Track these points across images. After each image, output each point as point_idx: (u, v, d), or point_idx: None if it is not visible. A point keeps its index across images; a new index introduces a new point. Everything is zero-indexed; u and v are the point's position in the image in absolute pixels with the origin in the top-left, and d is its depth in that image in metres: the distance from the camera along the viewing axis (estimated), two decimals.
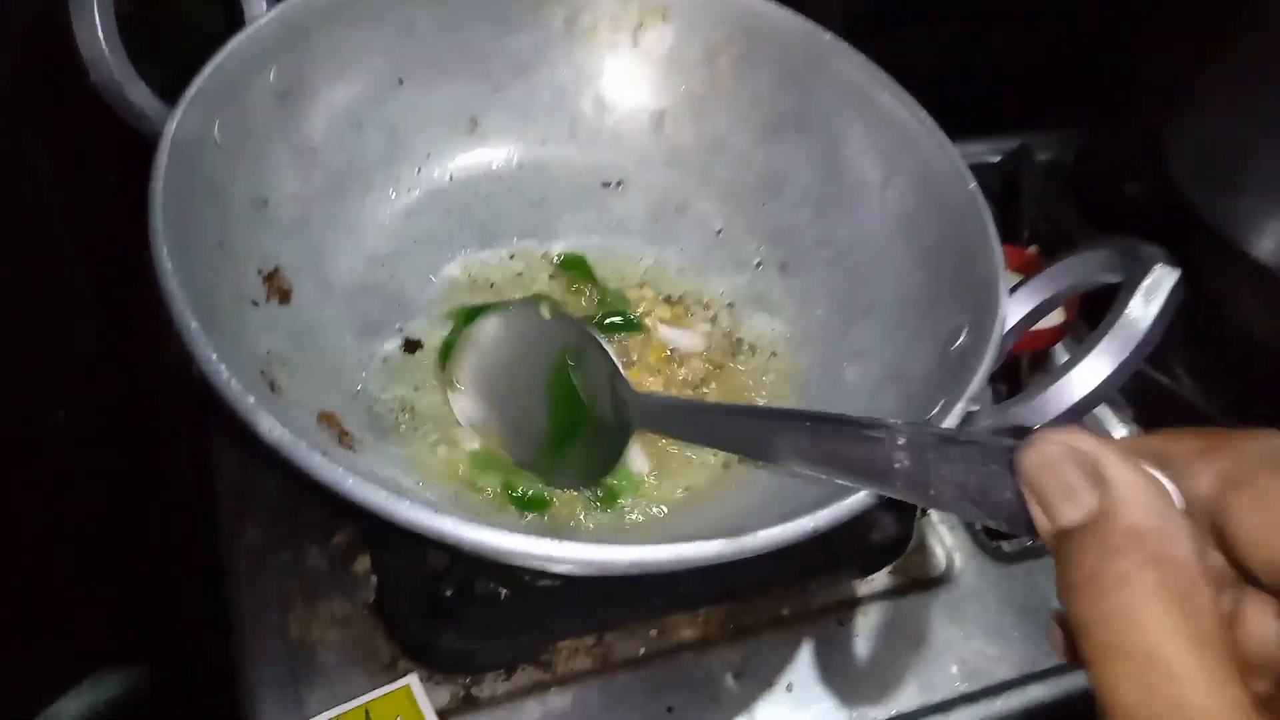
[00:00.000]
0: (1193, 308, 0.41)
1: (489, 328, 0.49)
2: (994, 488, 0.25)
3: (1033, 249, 0.70)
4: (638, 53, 0.61)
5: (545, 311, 0.49)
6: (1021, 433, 0.27)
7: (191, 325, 0.35)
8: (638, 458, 0.48)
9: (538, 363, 0.47)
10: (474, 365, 0.49)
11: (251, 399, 0.34)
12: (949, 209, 0.51)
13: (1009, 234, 0.49)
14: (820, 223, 0.57)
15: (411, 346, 0.50)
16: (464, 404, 0.48)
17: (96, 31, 0.42)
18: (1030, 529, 0.24)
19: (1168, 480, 0.23)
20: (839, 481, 0.33)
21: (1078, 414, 0.41)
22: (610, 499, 0.46)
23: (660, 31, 0.60)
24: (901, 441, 0.28)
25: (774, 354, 0.55)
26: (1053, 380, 0.41)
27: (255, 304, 0.44)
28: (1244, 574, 0.25)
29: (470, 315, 0.51)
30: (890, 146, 0.54)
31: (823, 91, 0.57)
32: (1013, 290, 0.47)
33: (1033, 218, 0.73)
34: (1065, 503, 0.23)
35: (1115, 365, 0.41)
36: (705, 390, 0.52)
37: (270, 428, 0.33)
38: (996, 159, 0.78)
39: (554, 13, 0.59)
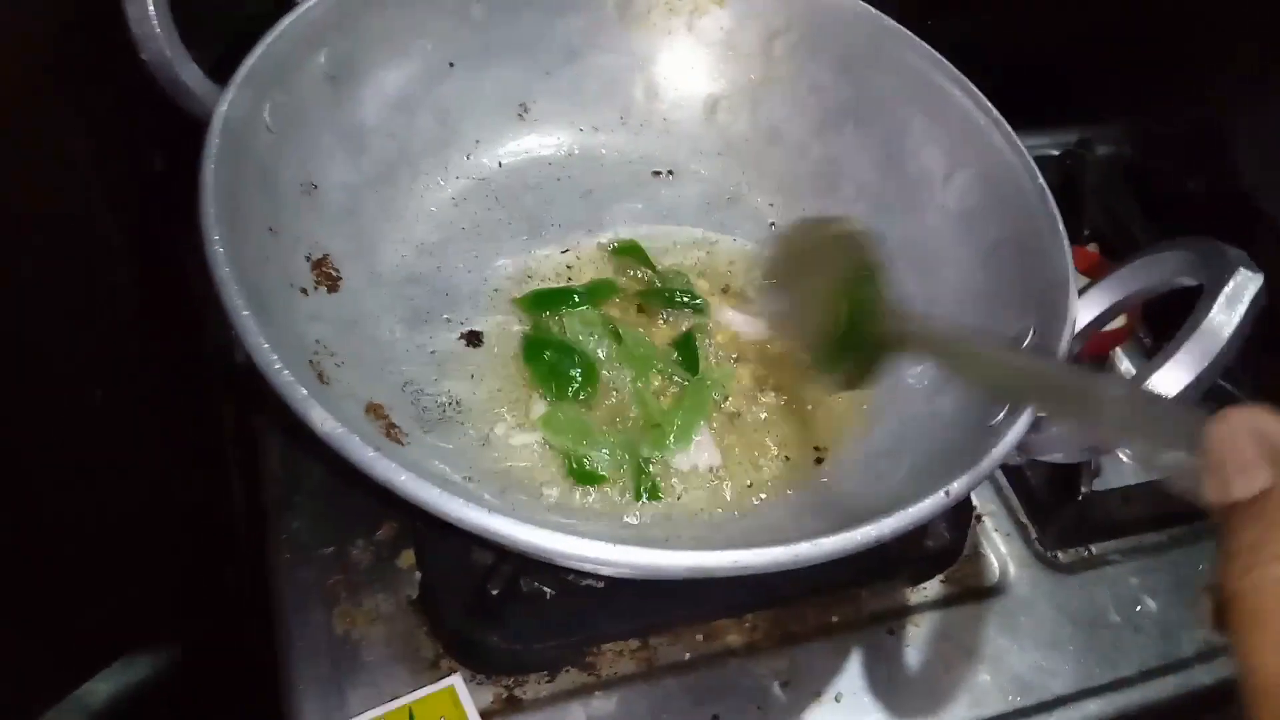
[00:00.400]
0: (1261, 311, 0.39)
1: (799, 236, 0.53)
2: (1181, 450, 0.27)
3: (1092, 247, 0.68)
4: (692, 38, 0.59)
5: (850, 228, 0.49)
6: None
7: (243, 313, 0.34)
8: (706, 450, 0.47)
9: (835, 271, 0.48)
10: (781, 267, 0.53)
11: (304, 391, 0.33)
12: (1014, 205, 0.49)
13: (1069, 232, 0.47)
14: (878, 218, 0.55)
15: (473, 339, 0.49)
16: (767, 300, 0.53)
17: (148, 7, 0.41)
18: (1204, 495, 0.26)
19: None
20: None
21: None
22: (655, 490, 0.46)
23: (716, 16, 0.59)
24: (1118, 394, 0.32)
25: None
26: None
27: (304, 292, 0.44)
28: None
29: (537, 302, 0.50)
30: (954, 139, 0.53)
31: (884, 80, 0.55)
32: (1081, 292, 0.45)
33: (1093, 214, 0.71)
34: (1239, 477, 0.25)
35: (1195, 375, 0.39)
36: (769, 384, 0.51)
37: (322, 421, 0.33)
38: (1056, 152, 0.76)
39: None
